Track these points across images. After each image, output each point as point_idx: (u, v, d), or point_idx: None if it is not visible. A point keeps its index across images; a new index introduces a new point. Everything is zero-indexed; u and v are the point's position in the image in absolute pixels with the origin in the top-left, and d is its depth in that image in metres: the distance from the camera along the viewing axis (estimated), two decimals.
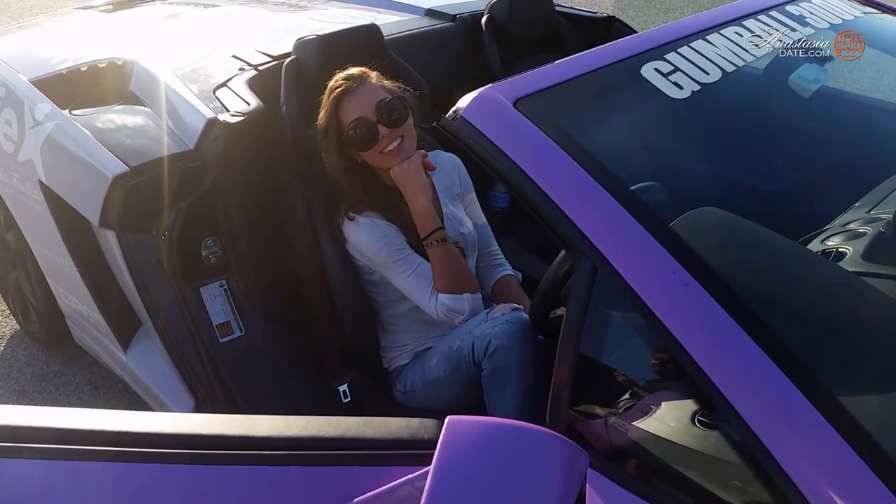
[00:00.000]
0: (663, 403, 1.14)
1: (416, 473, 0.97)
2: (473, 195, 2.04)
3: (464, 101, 1.29)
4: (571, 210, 1.12)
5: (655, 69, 1.37)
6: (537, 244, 2.40)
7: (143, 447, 1.04)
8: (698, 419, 1.06)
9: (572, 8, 2.93)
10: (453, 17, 2.66)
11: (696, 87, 1.35)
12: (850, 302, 1.22)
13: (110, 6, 3.07)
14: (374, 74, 1.78)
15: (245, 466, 1.04)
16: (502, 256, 2.05)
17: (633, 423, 1.12)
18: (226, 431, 1.07)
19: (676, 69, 1.38)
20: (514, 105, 1.25)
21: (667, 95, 1.33)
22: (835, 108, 1.92)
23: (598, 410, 1.20)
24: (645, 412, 1.14)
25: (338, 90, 1.74)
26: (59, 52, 2.43)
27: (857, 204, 1.58)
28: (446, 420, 0.94)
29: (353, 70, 1.77)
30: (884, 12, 1.94)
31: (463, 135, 1.26)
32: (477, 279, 1.85)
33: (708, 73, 1.39)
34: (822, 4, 1.77)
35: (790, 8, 1.70)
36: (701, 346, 0.98)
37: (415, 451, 1.01)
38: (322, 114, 1.77)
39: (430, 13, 2.72)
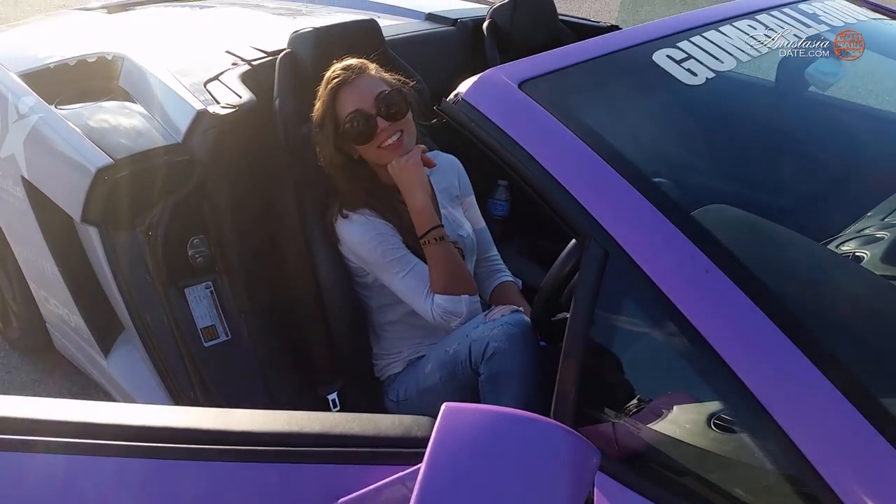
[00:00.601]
0: (676, 405, 1.06)
1: (408, 471, 0.88)
2: (473, 199, 1.97)
3: (465, 85, 1.23)
4: (580, 192, 1.05)
5: (668, 56, 1.31)
6: (537, 253, 2.33)
7: (119, 441, 0.98)
8: (714, 421, 0.98)
9: (575, 17, 2.89)
10: (454, 22, 2.62)
11: (711, 75, 1.29)
12: (877, 298, 1.14)
13: (105, 10, 3.02)
14: (373, 66, 1.72)
15: (224, 463, 0.96)
16: (502, 262, 1.98)
17: (644, 425, 1.04)
18: (201, 425, 0.99)
19: (689, 56, 1.32)
20: (520, 87, 1.19)
21: (680, 81, 1.27)
22: (848, 117, 1.87)
23: (606, 411, 1.11)
24: (656, 413, 1.05)
25: (335, 80, 1.67)
26: (48, 48, 2.37)
27: (869, 214, 1.52)
28: (443, 406, 0.86)
29: (352, 60, 1.70)
30: (892, 18, 1.89)
31: (465, 119, 1.20)
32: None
33: (722, 62, 1.33)
34: (836, 5, 1.73)
35: (804, 6, 1.65)
36: (725, 337, 0.90)
37: (407, 450, 0.93)
38: (318, 105, 1.70)
39: (431, 17, 2.67)
